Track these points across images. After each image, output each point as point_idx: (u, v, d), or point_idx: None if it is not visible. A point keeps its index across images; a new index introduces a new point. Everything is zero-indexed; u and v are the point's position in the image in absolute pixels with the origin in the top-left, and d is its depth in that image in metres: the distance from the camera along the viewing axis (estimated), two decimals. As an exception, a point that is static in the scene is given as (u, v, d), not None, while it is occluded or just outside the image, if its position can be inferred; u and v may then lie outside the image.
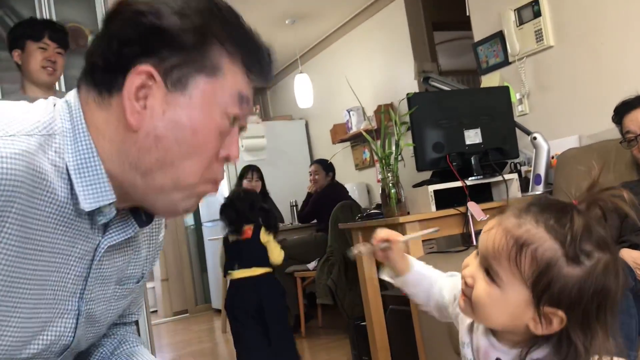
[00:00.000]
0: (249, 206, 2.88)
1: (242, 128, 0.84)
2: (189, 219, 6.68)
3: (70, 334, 0.80)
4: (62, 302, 0.77)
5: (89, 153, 0.74)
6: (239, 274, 2.78)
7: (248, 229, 2.83)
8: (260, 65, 0.81)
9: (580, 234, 0.74)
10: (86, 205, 0.73)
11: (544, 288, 0.74)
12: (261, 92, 6.87)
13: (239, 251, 2.83)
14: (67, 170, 0.73)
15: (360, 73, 4.90)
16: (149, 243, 0.94)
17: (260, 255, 2.80)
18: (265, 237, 2.84)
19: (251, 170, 4.87)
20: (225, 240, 2.95)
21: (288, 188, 5.47)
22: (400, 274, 1.06)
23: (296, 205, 5.20)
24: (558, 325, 0.75)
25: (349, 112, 5.09)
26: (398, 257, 1.04)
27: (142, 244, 0.91)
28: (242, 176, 4.89)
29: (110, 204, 0.76)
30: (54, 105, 0.77)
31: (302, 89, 5.34)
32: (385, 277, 1.10)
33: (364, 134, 3.00)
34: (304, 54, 5.80)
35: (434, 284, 1.05)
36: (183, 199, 0.79)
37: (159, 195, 0.78)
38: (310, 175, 4.78)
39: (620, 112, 2.04)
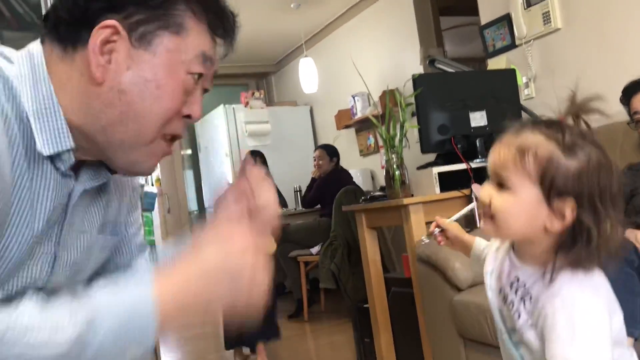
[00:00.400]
0: None
1: (205, 90, 0.85)
2: (193, 204, 6.69)
3: (44, 278, 0.80)
4: (33, 243, 0.76)
5: (49, 100, 0.75)
6: None
7: None
8: (224, 28, 0.83)
9: (571, 132, 0.86)
10: (45, 149, 0.74)
11: (550, 182, 0.83)
12: (265, 77, 6.85)
13: None
14: (26, 114, 0.73)
15: (365, 58, 4.86)
16: (126, 190, 0.95)
17: None
18: None
19: (255, 156, 4.86)
20: None
21: (292, 173, 5.46)
22: (466, 253, 1.19)
23: (300, 191, 5.20)
24: (570, 215, 0.83)
25: (354, 98, 5.06)
26: (457, 240, 1.18)
27: (120, 192, 0.92)
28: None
29: (69, 151, 0.76)
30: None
31: (307, 74, 5.31)
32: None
33: (370, 117, 2.98)
34: (309, 39, 5.77)
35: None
36: (142, 156, 0.80)
37: (119, 150, 0.79)
38: (315, 160, 4.77)
39: (629, 92, 2.02)
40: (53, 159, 0.76)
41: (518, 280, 0.92)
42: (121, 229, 0.95)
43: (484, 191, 0.90)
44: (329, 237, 4.09)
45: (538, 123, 0.89)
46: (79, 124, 0.76)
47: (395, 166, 2.50)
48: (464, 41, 6.04)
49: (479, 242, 1.19)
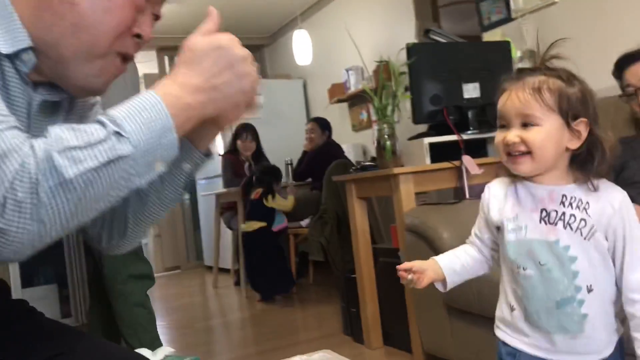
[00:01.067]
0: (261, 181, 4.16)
1: (157, 17, 0.87)
2: (184, 177, 6.66)
3: None
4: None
5: (3, 6, 0.76)
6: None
7: (256, 193, 4.15)
8: None
9: (563, 70, 1.02)
10: (3, 47, 0.75)
11: (567, 108, 0.98)
12: (259, 50, 6.78)
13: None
14: None
15: (360, 32, 4.81)
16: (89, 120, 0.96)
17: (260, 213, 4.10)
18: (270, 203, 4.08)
19: (245, 131, 4.82)
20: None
21: (284, 147, 5.43)
22: (439, 276, 1.15)
23: (291, 164, 5.18)
24: (585, 131, 0.99)
25: (347, 72, 5.02)
26: (430, 277, 1.13)
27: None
28: (236, 136, 4.85)
29: (28, 51, 0.77)
30: None
31: (301, 46, 5.26)
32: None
33: (363, 84, 2.96)
34: (305, 11, 5.70)
35: (473, 263, 1.16)
36: (95, 70, 0.82)
37: (72, 64, 0.80)
38: (307, 133, 4.74)
39: (622, 65, 2.00)
40: (13, 59, 0.76)
41: (565, 197, 1.01)
42: None
43: (511, 134, 0.99)
44: (319, 211, 4.09)
45: (530, 69, 1.03)
46: (33, 36, 0.77)
47: (386, 136, 2.48)
48: (460, 18, 5.98)
49: (441, 258, 1.16)
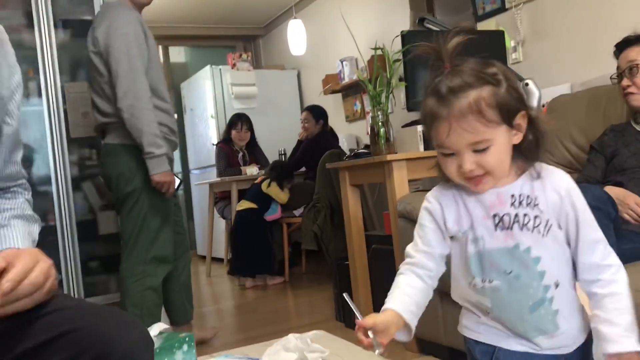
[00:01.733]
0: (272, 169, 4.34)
1: None
2: (177, 166, 6.66)
3: None
4: None
5: None
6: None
7: (260, 177, 4.39)
8: None
9: (480, 67, 0.95)
10: None
11: (506, 112, 0.92)
12: (253, 40, 6.77)
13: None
14: None
15: (355, 22, 4.81)
16: None
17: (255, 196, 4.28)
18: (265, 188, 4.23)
19: (240, 120, 4.83)
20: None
21: (277, 137, 5.44)
22: (399, 325, 1.01)
23: (285, 154, 5.18)
24: (524, 122, 0.95)
25: (342, 62, 5.03)
26: (392, 335, 1.00)
27: None
28: (230, 125, 4.86)
29: None
30: None
31: (295, 36, 5.25)
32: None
33: (357, 73, 2.96)
34: (299, 2, 5.70)
35: (422, 296, 1.04)
36: None
37: None
38: (302, 122, 4.75)
39: (620, 48, 2.03)
40: None
41: (514, 196, 0.97)
42: None
43: (466, 164, 0.92)
44: (312, 200, 4.10)
45: (451, 86, 0.93)
46: None
47: (380, 123, 2.49)
48: (454, 9, 5.99)
49: (394, 303, 1.02)
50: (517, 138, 0.95)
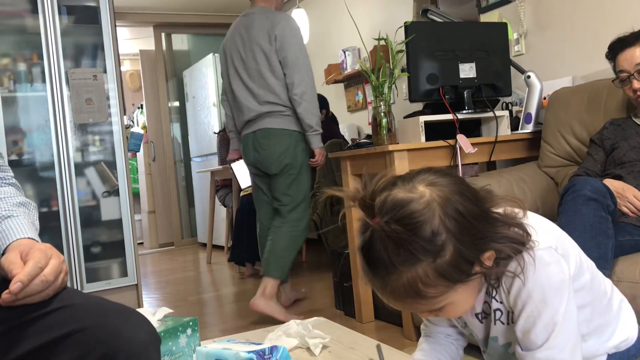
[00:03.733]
0: None
1: None
2: (178, 154, 6.67)
3: None
4: None
5: None
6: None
7: None
8: None
9: (416, 234, 0.75)
10: None
11: (456, 273, 0.77)
12: (256, 29, 6.76)
13: None
14: None
15: (358, 12, 4.81)
16: None
17: None
18: None
19: None
20: None
21: (279, 126, 5.44)
22: None
23: (286, 143, 5.19)
24: (492, 256, 0.81)
25: (344, 52, 5.02)
26: None
27: None
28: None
29: None
30: None
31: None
32: None
33: (360, 62, 2.97)
34: (302, -9, 5.68)
35: (447, 353, 1.03)
36: None
37: None
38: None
39: (615, 49, 2.02)
40: None
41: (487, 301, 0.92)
42: None
43: (425, 317, 0.90)
44: (312, 189, 4.12)
45: (378, 265, 0.78)
46: None
47: (382, 113, 2.51)
48: (458, 1, 5.97)
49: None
50: (484, 270, 0.81)
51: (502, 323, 0.90)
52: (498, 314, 0.90)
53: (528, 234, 0.82)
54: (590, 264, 0.96)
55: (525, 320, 0.83)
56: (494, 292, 0.88)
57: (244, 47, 2.93)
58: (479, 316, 0.93)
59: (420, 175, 0.80)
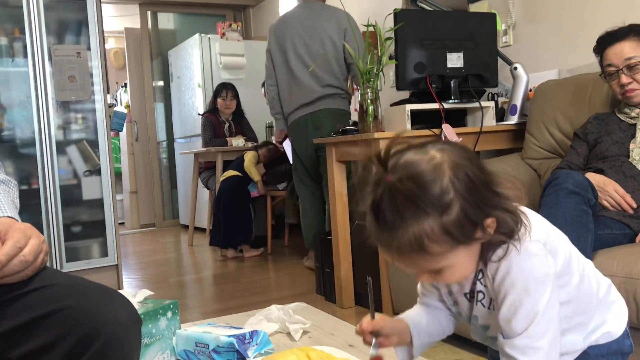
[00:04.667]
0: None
1: None
2: (162, 135, 6.62)
3: None
4: None
5: None
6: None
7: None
8: None
9: (425, 190, 0.77)
10: None
11: (459, 233, 0.79)
12: (244, 10, 6.69)
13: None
14: None
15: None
16: None
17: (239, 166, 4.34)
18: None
19: (226, 89, 4.80)
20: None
21: (265, 109, 5.40)
22: (405, 338, 1.01)
23: (271, 127, 5.17)
24: (494, 223, 0.82)
25: (332, 37, 5.00)
26: (394, 342, 1.00)
27: None
28: (216, 94, 4.82)
29: None
30: None
31: (287, 7, 5.19)
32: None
33: (347, 45, 2.95)
34: (292, -27, 5.62)
35: (437, 320, 1.03)
36: None
37: None
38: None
39: (604, 43, 2.03)
40: None
41: (478, 274, 0.92)
42: None
43: (422, 278, 0.87)
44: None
45: (385, 220, 0.79)
46: None
47: (369, 101, 2.50)
48: (447, -10, 5.96)
49: (412, 315, 1.04)
50: (486, 237, 0.83)
51: (483, 306, 0.92)
52: (480, 295, 0.92)
53: (522, 222, 0.84)
54: (586, 264, 0.96)
55: (507, 308, 0.85)
56: (480, 275, 0.90)
57: (309, 35, 3.29)
58: (467, 296, 0.95)
59: (433, 143, 0.83)
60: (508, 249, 0.84)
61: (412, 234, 0.77)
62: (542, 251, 0.85)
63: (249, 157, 4.29)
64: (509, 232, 0.83)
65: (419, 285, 1.04)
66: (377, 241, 0.83)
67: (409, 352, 1.01)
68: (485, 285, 0.90)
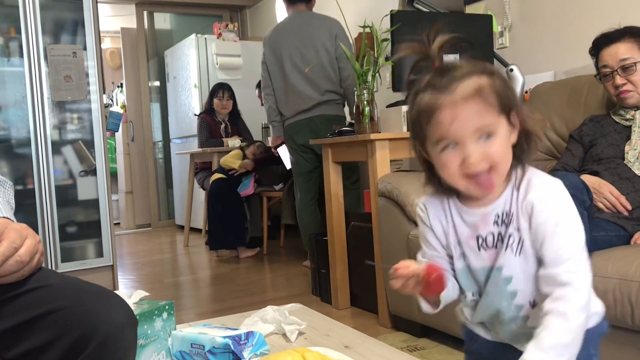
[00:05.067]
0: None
1: None
2: (157, 135, 6.61)
3: None
4: None
5: None
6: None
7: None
8: None
9: (469, 62, 0.91)
10: None
11: (504, 99, 0.89)
12: (240, 11, 6.68)
13: None
14: None
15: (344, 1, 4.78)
16: None
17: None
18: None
19: (222, 89, 4.79)
20: None
21: (261, 110, 5.40)
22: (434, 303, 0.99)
23: (267, 127, 5.17)
24: (517, 121, 0.91)
25: (328, 38, 5.00)
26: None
27: None
28: (212, 94, 4.82)
29: None
30: None
31: (283, 8, 5.19)
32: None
33: (343, 47, 2.95)
34: (288, -26, 5.62)
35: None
36: None
37: None
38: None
39: (600, 44, 2.04)
40: None
41: (498, 215, 0.92)
42: None
43: (474, 155, 0.87)
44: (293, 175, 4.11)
45: (451, 74, 0.90)
46: None
47: (365, 102, 2.51)
48: (444, -9, 5.97)
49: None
50: (514, 137, 0.90)
51: (512, 251, 0.92)
52: (511, 239, 0.92)
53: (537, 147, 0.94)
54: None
55: (550, 237, 0.89)
56: (504, 215, 0.92)
57: (303, 44, 3.37)
58: (479, 240, 0.95)
59: None
60: (531, 176, 0.91)
61: (475, 82, 0.87)
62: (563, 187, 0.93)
63: (230, 153, 4.34)
64: (531, 141, 0.91)
65: (418, 254, 1.03)
66: (434, 110, 0.88)
67: (435, 299, 0.98)
68: (517, 229, 0.91)
